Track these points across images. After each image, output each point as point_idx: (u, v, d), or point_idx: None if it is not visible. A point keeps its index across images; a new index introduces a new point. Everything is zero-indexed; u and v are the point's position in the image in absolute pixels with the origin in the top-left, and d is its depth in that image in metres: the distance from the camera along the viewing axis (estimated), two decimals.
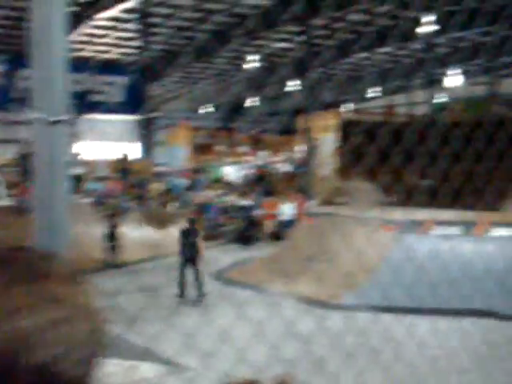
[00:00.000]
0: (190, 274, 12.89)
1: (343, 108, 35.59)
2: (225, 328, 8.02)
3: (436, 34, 23.15)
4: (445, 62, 28.61)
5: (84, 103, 24.91)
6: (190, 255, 12.86)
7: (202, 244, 13.47)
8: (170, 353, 8.92)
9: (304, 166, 24.93)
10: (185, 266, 12.87)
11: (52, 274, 0.77)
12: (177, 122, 35.24)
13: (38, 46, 3.73)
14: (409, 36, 24.12)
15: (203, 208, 21.63)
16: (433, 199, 18.38)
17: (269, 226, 21.37)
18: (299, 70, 29.34)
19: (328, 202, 18.67)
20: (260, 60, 27.02)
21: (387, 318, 10.21)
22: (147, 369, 8.59)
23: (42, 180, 3.78)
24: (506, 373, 7.83)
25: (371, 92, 36.07)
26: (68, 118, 3.72)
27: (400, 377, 7.49)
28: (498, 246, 13.47)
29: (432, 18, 21.31)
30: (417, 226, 14.76)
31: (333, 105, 34.35)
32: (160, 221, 20.17)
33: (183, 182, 26.20)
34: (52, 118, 3.68)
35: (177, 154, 31.21)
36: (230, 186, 25.69)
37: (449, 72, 29.18)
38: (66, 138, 3.84)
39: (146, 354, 8.96)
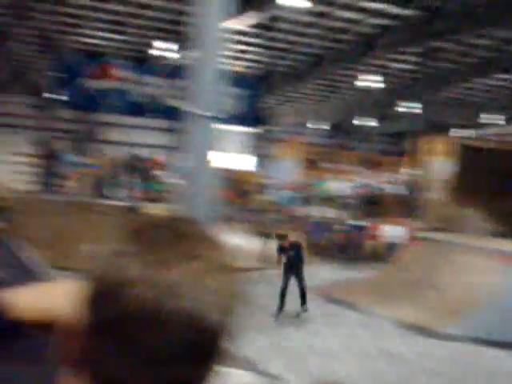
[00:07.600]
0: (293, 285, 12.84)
1: (453, 133, 34.60)
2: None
3: None
4: None
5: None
6: (294, 266, 12.78)
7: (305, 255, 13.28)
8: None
9: (414, 189, 24.40)
10: (288, 277, 12.79)
11: (192, 235, 0.86)
12: (287, 137, 35.48)
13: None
14: None
15: (310, 224, 21.72)
16: None
17: (371, 246, 21.06)
18: (413, 92, 28.76)
19: (438, 227, 18.16)
20: (376, 81, 26.72)
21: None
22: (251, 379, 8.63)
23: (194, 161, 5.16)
24: None
25: (485, 118, 34.88)
26: (219, 115, 4.09)
27: None
28: None
29: None
30: None
31: (442, 128, 33.51)
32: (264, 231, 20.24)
33: (289, 194, 26.30)
34: (208, 114, 4.02)
35: (285, 167, 31.46)
36: (339, 204, 25.43)
37: None
38: (214, 132, 4.89)
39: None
